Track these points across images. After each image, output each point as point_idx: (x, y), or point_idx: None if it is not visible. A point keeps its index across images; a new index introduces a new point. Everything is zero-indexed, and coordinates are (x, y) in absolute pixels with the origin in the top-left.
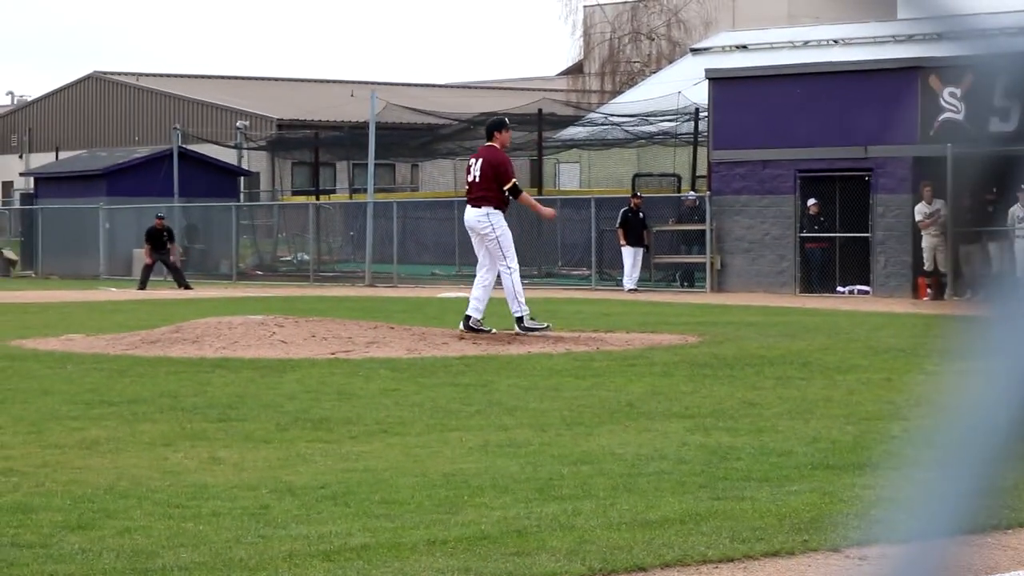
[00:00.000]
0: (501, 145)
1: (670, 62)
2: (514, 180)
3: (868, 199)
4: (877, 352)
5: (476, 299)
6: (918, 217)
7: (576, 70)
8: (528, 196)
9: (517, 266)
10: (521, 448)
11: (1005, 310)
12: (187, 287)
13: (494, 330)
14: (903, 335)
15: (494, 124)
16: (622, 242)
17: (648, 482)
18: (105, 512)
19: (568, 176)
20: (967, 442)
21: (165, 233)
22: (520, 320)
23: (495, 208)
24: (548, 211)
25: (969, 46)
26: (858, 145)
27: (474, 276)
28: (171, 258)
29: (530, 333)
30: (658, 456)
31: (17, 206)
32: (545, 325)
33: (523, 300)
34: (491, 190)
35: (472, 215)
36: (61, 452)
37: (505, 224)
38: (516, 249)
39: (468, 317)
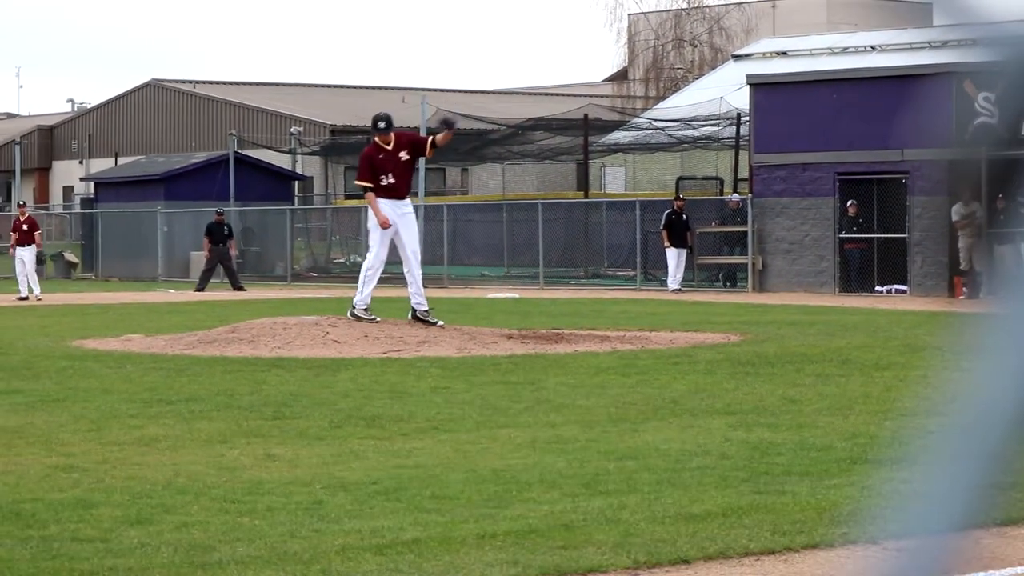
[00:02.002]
0: (382, 142)
1: (712, 68)
2: (362, 183)
3: (905, 201)
4: (914, 350)
5: (412, 293)
6: (955, 218)
7: (621, 76)
8: (370, 196)
9: (377, 264)
10: (568, 444)
11: (1016, 307)
12: (240, 288)
13: (441, 323)
14: (939, 333)
15: (373, 121)
16: (666, 243)
17: (692, 477)
18: (163, 507)
19: (613, 179)
20: (976, 436)
21: (225, 228)
22: (353, 308)
23: (375, 199)
24: (382, 217)
25: (1001, 51)
26: (895, 148)
27: (522, 277)
28: (231, 252)
29: (358, 320)
30: (701, 451)
31: (78, 210)
32: (373, 318)
33: (366, 294)
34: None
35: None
36: (120, 449)
37: (387, 215)
38: (565, 252)
39: (414, 311)
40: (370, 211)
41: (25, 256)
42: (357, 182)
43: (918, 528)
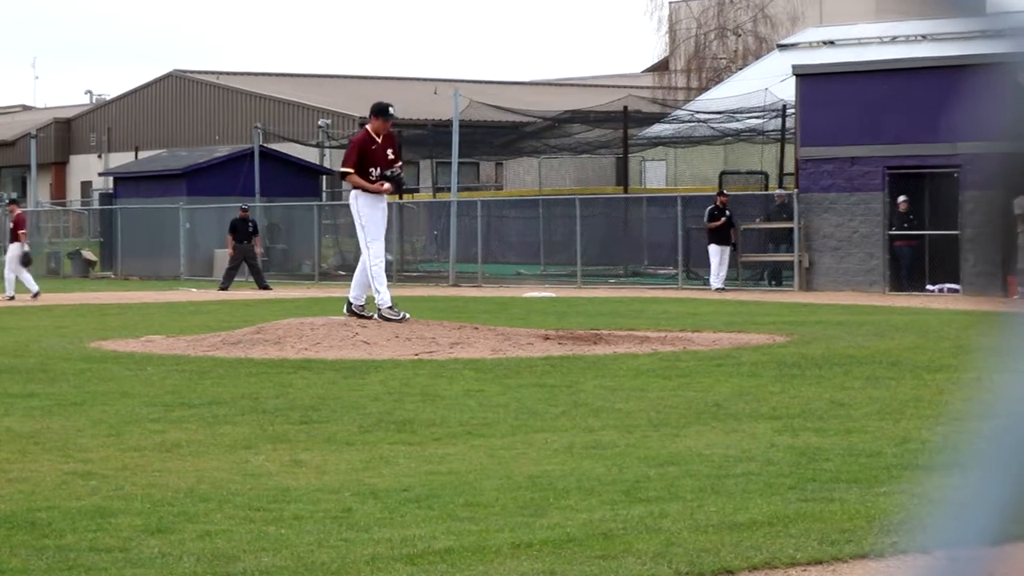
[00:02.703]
0: (374, 131)
1: (756, 58)
2: (345, 168)
3: (957, 196)
4: (967, 351)
5: (353, 284)
6: (1018, 211)
7: (662, 67)
8: (355, 177)
9: (379, 253)
10: (607, 450)
11: None
12: (266, 287)
13: (376, 316)
14: (992, 334)
15: (373, 108)
16: (712, 226)
17: (736, 484)
18: (185, 516)
19: (654, 174)
20: (1011, 445)
21: (250, 224)
22: (350, 305)
23: (362, 191)
24: (375, 187)
25: None
26: (947, 142)
27: (559, 276)
28: (256, 249)
29: (353, 316)
30: (746, 457)
31: (96, 206)
32: (403, 316)
33: (384, 292)
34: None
35: (350, 200)
36: (141, 455)
37: (372, 208)
38: (603, 249)
39: (349, 303)
40: (359, 205)
41: (9, 254)
42: (343, 168)
43: (951, 539)
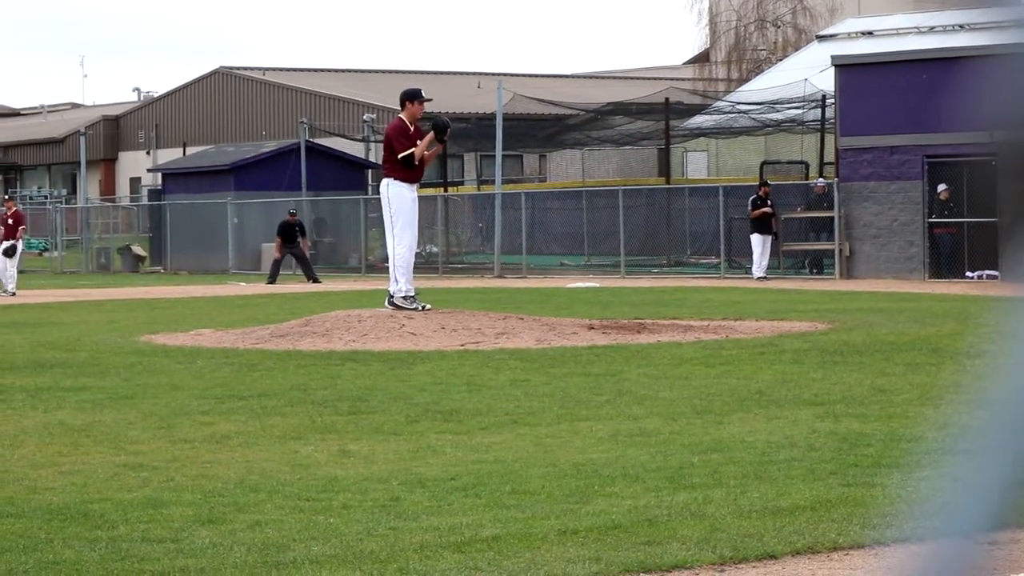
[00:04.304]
0: (410, 117)
1: (796, 49)
2: (407, 152)
3: (996, 184)
4: (1007, 337)
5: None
6: None
7: (702, 59)
8: (420, 149)
9: (409, 243)
10: (651, 437)
11: None
12: (316, 280)
13: (428, 306)
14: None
15: (404, 94)
16: (755, 215)
17: (778, 470)
18: (235, 506)
19: (696, 164)
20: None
21: (297, 228)
22: (391, 297)
23: (395, 179)
24: (427, 138)
25: None
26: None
27: (602, 266)
28: (304, 252)
29: (398, 309)
30: (788, 444)
31: (145, 202)
32: (417, 306)
33: (406, 279)
34: (388, 161)
35: (381, 190)
36: (191, 447)
37: (405, 197)
38: (646, 239)
39: (391, 295)
40: (390, 195)
41: (9, 251)
42: (402, 154)
43: (948, 528)
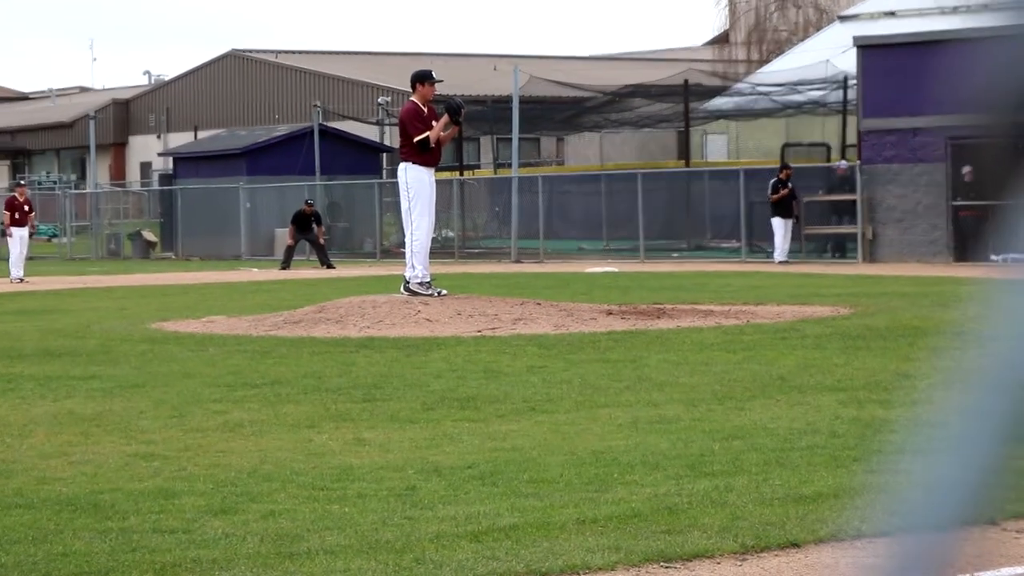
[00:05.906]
0: (422, 98)
1: (817, 30)
2: (422, 136)
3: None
4: None
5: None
6: None
7: (722, 40)
8: (435, 132)
9: (427, 228)
10: (671, 424)
11: None
12: (330, 266)
13: (444, 291)
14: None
15: (414, 76)
16: (776, 198)
17: (801, 457)
18: (248, 496)
19: (715, 147)
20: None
21: (313, 218)
22: (407, 283)
23: (412, 163)
24: (442, 121)
25: None
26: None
27: (621, 251)
28: (319, 240)
29: (414, 296)
30: (811, 430)
31: (156, 187)
32: (433, 292)
33: (423, 265)
34: (405, 146)
35: (398, 174)
36: (203, 436)
37: (423, 182)
38: (666, 223)
39: (407, 281)
40: (408, 179)
41: (23, 236)
42: (418, 138)
43: (916, 522)
